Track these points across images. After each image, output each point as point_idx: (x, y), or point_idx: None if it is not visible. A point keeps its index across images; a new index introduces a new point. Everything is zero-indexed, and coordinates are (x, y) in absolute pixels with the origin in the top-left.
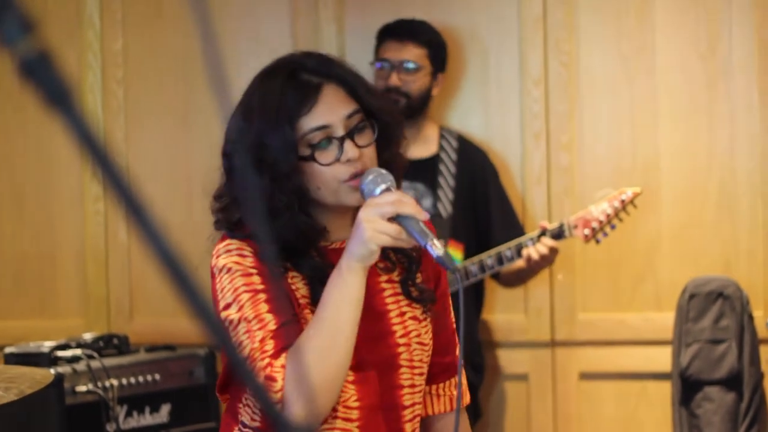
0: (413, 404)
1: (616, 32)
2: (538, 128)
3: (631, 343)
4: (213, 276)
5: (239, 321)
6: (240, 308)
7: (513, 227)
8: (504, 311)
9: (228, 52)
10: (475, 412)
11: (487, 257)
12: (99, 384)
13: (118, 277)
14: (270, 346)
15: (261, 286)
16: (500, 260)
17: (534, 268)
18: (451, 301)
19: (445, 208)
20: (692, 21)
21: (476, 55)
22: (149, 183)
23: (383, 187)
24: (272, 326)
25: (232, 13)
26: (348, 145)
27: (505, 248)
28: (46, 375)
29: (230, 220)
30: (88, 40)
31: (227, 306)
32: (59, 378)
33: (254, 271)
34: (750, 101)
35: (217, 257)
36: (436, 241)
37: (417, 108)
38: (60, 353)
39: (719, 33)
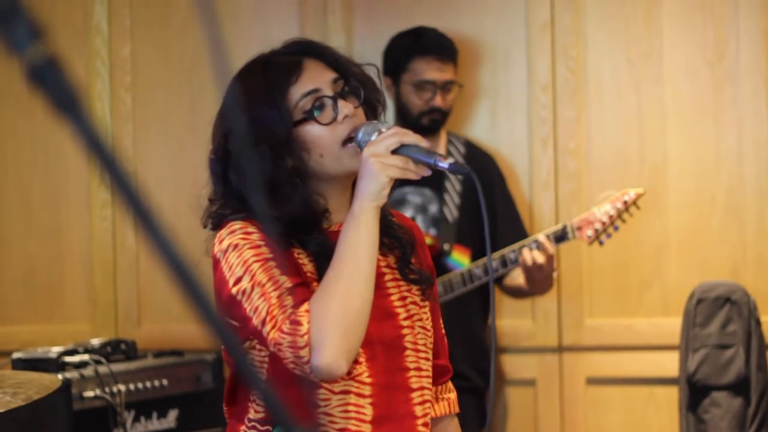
0: (421, 388)
1: (624, 38)
2: (546, 134)
3: (639, 349)
4: (217, 262)
5: (252, 288)
6: (252, 276)
7: (518, 233)
8: (511, 316)
9: (236, 58)
10: (481, 416)
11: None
12: (106, 389)
13: (125, 283)
14: (289, 301)
15: (270, 255)
16: (504, 263)
17: (535, 276)
18: (439, 307)
19: (452, 213)
20: (699, 27)
21: (484, 60)
22: (157, 189)
23: (380, 129)
24: (288, 284)
25: (240, 20)
26: (341, 102)
27: (509, 251)
28: (53, 380)
29: (227, 212)
30: (96, 46)
31: (238, 279)
32: (67, 383)
33: (262, 243)
34: (757, 106)
35: (221, 241)
36: (443, 156)
37: (446, 119)
38: (68, 358)
39: (726, 38)
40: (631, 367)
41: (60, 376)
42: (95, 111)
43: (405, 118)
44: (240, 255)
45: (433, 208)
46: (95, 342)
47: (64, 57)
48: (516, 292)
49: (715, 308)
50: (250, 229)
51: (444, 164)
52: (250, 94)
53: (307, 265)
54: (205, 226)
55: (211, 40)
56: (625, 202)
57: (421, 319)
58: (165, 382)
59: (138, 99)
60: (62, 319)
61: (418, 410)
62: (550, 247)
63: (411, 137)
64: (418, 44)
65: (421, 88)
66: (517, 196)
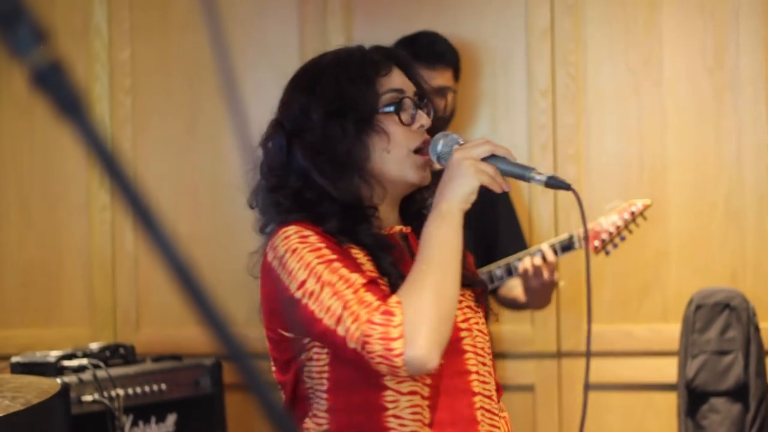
0: (483, 393)
1: (624, 44)
2: (545, 139)
3: (638, 355)
4: (270, 270)
5: (322, 288)
6: (318, 278)
7: (519, 245)
8: (510, 322)
9: (235, 60)
10: None
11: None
12: (105, 394)
13: (124, 287)
14: (369, 295)
15: (333, 256)
16: (509, 271)
17: (532, 284)
18: None
19: None
20: (699, 33)
21: (484, 66)
22: (157, 191)
23: (459, 141)
24: (361, 280)
25: (239, 23)
26: (420, 112)
27: (495, 266)
28: (52, 384)
29: (284, 207)
30: (96, 49)
31: (302, 283)
32: (65, 387)
33: (322, 245)
34: (757, 113)
35: (274, 249)
36: (538, 170)
37: (444, 127)
38: (66, 363)
39: (726, 45)
40: (630, 373)
41: (59, 381)
42: (95, 114)
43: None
44: (300, 259)
45: None
46: (94, 346)
47: (63, 59)
48: (511, 304)
49: (714, 314)
50: (306, 233)
51: (541, 178)
52: (345, 67)
53: (366, 264)
54: (264, 229)
55: (214, 41)
56: (633, 213)
57: (477, 323)
58: (163, 386)
59: (137, 102)
60: (61, 323)
61: (479, 415)
62: (552, 256)
63: (502, 149)
64: (409, 51)
65: None
66: (516, 203)
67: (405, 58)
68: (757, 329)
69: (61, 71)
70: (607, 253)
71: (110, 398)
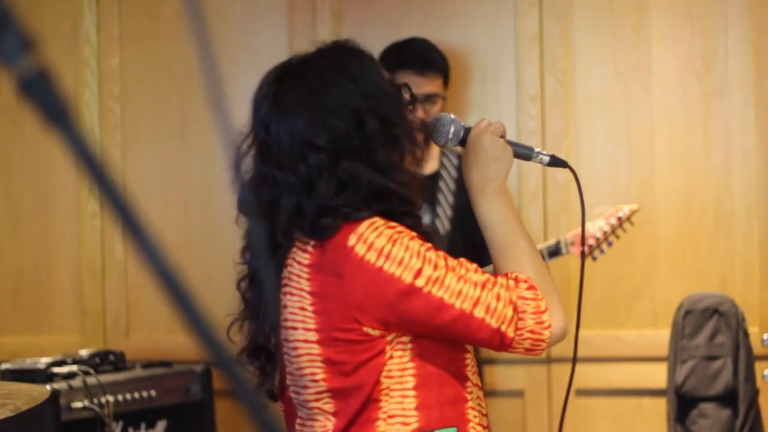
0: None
1: (612, 50)
2: (534, 145)
3: (627, 360)
4: (366, 265)
5: (445, 273)
6: (435, 265)
7: None
8: None
9: (224, 67)
10: None
11: None
12: (95, 400)
13: (114, 294)
14: (492, 276)
15: (429, 244)
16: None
17: None
18: None
19: (443, 225)
20: (688, 38)
21: (473, 71)
22: (146, 199)
23: (462, 123)
24: (472, 265)
25: (228, 29)
26: (420, 108)
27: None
28: (42, 391)
29: (355, 199)
30: (85, 56)
31: (418, 272)
32: (55, 394)
33: (414, 233)
34: (746, 118)
35: (365, 241)
36: (539, 150)
37: None
38: (56, 369)
39: (715, 50)
40: (619, 379)
41: (48, 387)
42: (84, 121)
43: None
44: (407, 248)
45: (425, 220)
46: (84, 353)
47: (52, 67)
48: None
49: (703, 320)
50: (393, 223)
51: (545, 158)
52: (363, 69)
53: None
54: (314, 233)
55: (201, 49)
56: (620, 218)
57: None
58: (153, 393)
59: (127, 109)
60: (50, 330)
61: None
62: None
63: (505, 129)
64: (401, 57)
65: None
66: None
67: (367, 52)
68: (746, 334)
69: (47, 79)
70: (594, 258)
71: (100, 405)
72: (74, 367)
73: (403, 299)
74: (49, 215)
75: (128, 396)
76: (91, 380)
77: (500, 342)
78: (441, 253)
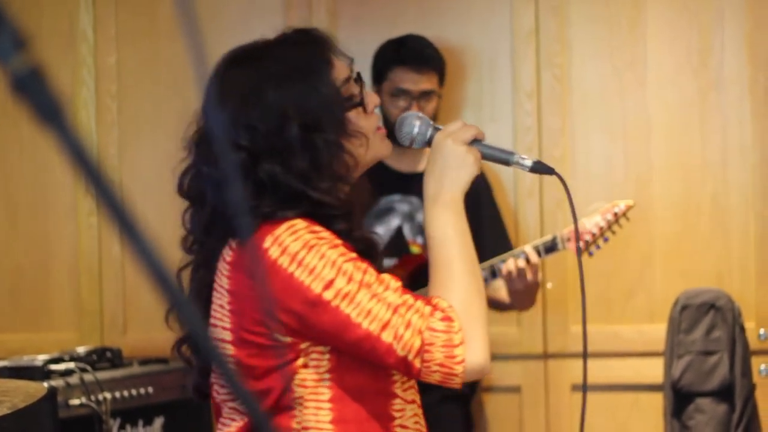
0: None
1: (609, 45)
2: (531, 141)
3: (624, 355)
4: (278, 269)
5: (358, 289)
6: (350, 278)
7: (503, 246)
8: (497, 324)
9: None
10: (467, 424)
11: None
12: (92, 397)
13: (111, 291)
14: (411, 298)
15: (354, 254)
16: (493, 273)
17: (516, 286)
18: None
19: None
20: (684, 34)
21: (469, 68)
22: (143, 198)
23: (431, 123)
24: (395, 284)
25: (224, 27)
26: (367, 92)
27: (498, 260)
28: (39, 388)
29: (274, 201)
30: (82, 55)
31: (329, 283)
32: (52, 391)
33: (339, 241)
34: (742, 114)
35: (280, 244)
36: (520, 154)
37: None
38: (53, 366)
39: (711, 46)
40: (616, 374)
41: (45, 384)
42: (81, 119)
43: (387, 127)
44: (323, 256)
45: (421, 217)
46: (81, 350)
47: (49, 65)
48: (496, 305)
49: (699, 315)
50: (315, 227)
51: (526, 162)
52: (303, 73)
53: None
54: (235, 235)
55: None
56: (616, 214)
57: None
58: (150, 389)
59: (124, 107)
60: (48, 328)
61: None
62: (536, 257)
63: (481, 132)
64: (397, 54)
65: (397, 97)
66: (502, 205)
67: (324, 36)
68: (742, 329)
69: (41, 78)
70: (591, 254)
71: (97, 402)
72: (71, 365)
73: (310, 310)
74: (47, 214)
75: (125, 393)
76: (88, 377)
77: (407, 371)
78: (363, 266)
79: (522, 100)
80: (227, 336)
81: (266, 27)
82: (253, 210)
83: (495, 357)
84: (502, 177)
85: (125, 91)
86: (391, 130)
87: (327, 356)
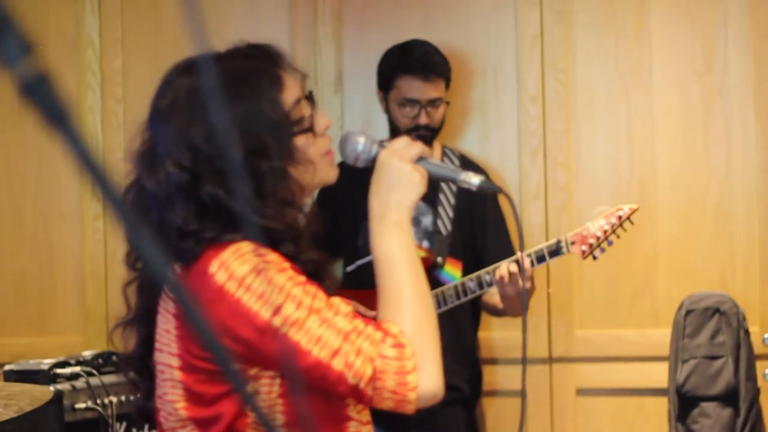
0: None
1: (613, 50)
2: (535, 145)
3: (628, 359)
4: (224, 294)
5: (307, 315)
6: (299, 304)
7: (506, 252)
8: (501, 328)
9: None
10: (471, 428)
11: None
12: (98, 401)
13: (117, 295)
14: (361, 323)
15: (302, 278)
16: (464, 291)
17: (507, 291)
18: None
19: (445, 226)
20: (688, 39)
21: (474, 72)
22: None
23: (378, 140)
24: (346, 307)
25: (229, 30)
26: (319, 113)
27: (467, 279)
28: (45, 392)
29: (209, 235)
30: (88, 59)
31: (278, 308)
32: (58, 395)
33: (286, 265)
34: (746, 118)
35: (227, 269)
36: (467, 173)
37: (437, 135)
38: (59, 370)
39: (715, 50)
40: (620, 378)
41: (52, 388)
42: (87, 123)
43: (395, 133)
44: (270, 281)
45: (427, 221)
46: (87, 354)
47: (55, 69)
48: (491, 310)
49: (704, 319)
50: (262, 251)
51: (473, 181)
52: (242, 91)
53: None
54: (180, 259)
55: (198, 50)
56: (620, 218)
57: None
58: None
59: (129, 111)
60: (54, 332)
61: None
62: (528, 264)
63: (428, 150)
64: (404, 62)
65: (406, 106)
66: (505, 208)
67: (277, 52)
68: (747, 333)
69: (48, 82)
70: (595, 257)
71: (103, 405)
72: (77, 368)
73: (259, 337)
74: (52, 217)
75: (131, 397)
76: (94, 381)
77: (358, 398)
78: (312, 290)
79: (527, 104)
80: (174, 362)
81: (271, 29)
82: (196, 234)
83: (499, 361)
84: (507, 180)
85: (131, 95)
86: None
87: (278, 381)
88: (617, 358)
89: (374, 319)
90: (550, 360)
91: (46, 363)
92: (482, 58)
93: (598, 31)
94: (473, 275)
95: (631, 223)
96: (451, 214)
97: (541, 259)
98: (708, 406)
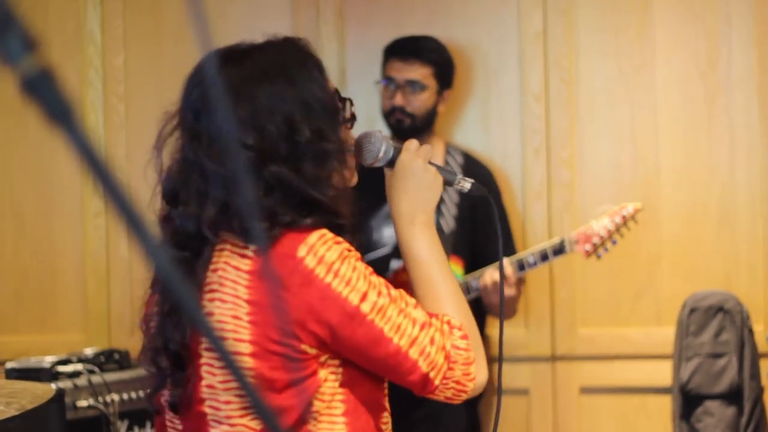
0: None
1: (616, 48)
2: (539, 143)
3: (632, 358)
4: (314, 279)
5: (389, 303)
6: (379, 292)
7: (508, 252)
8: (505, 326)
9: None
10: (475, 426)
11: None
12: (100, 399)
13: (119, 292)
14: (425, 314)
15: (371, 268)
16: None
17: (491, 299)
18: None
19: (448, 224)
20: (692, 37)
21: (477, 70)
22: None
23: (392, 142)
24: (412, 299)
25: (232, 30)
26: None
27: (470, 277)
28: (47, 390)
29: (290, 208)
30: (89, 56)
31: (365, 295)
32: (60, 393)
33: (359, 254)
34: (750, 117)
35: (315, 254)
36: (462, 178)
37: (422, 127)
38: (61, 368)
39: (719, 49)
40: (624, 377)
41: (53, 386)
42: (88, 120)
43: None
44: (354, 268)
45: None
46: (88, 351)
47: (57, 66)
48: (489, 309)
49: (707, 317)
50: (339, 238)
51: (466, 184)
52: (311, 77)
53: None
54: (246, 236)
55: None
56: (624, 216)
57: None
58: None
59: (131, 108)
60: (55, 329)
61: None
62: (511, 270)
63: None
64: (391, 46)
65: (386, 88)
66: (509, 207)
67: (310, 45)
68: (750, 332)
69: (50, 79)
70: (599, 256)
71: (105, 403)
72: (79, 366)
73: (347, 323)
74: (54, 214)
75: (133, 395)
76: (96, 379)
77: (422, 387)
78: (383, 280)
79: (530, 102)
80: (245, 348)
81: (274, 28)
82: (274, 217)
83: (503, 359)
84: (510, 179)
85: (133, 92)
86: (387, 123)
87: (340, 370)
88: (621, 356)
89: None
90: (553, 358)
91: (47, 361)
92: (485, 56)
93: (601, 29)
94: (461, 280)
95: (635, 221)
96: (454, 212)
97: (544, 257)
98: (712, 405)
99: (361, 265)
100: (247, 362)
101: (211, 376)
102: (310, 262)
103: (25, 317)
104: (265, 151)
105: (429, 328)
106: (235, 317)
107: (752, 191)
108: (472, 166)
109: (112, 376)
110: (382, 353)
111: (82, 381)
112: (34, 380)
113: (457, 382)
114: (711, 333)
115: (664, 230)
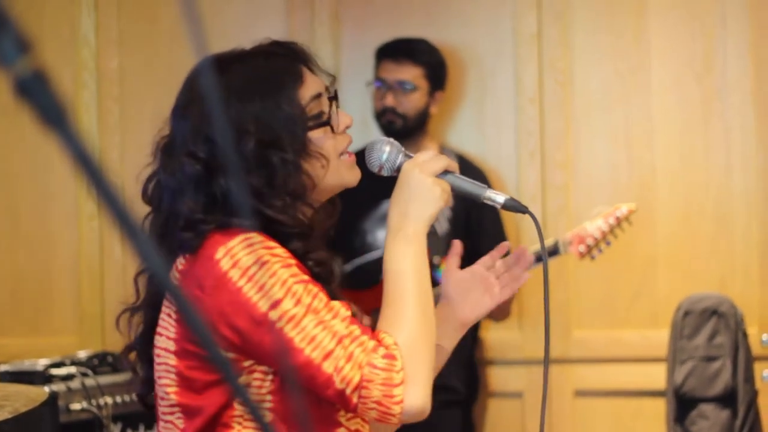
0: None
1: (612, 50)
2: (533, 146)
3: (626, 361)
4: (227, 282)
5: (304, 313)
6: (298, 300)
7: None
8: (498, 329)
9: None
10: (468, 430)
11: None
12: (93, 402)
13: (112, 295)
14: (358, 330)
15: (306, 276)
16: None
17: None
18: None
19: (441, 226)
20: (687, 39)
21: (472, 72)
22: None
23: (403, 150)
24: (345, 311)
25: (227, 32)
26: (341, 112)
27: None
28: (40, 393)
29: (223, 215)
30: (84, 58)
31: (277, 303)
32: (53, 396)
33: (292, 261)
34: (745, 119)
35: (232, 256)
36: (492, 190)
37: (414, 128)
38: (54, 371)
39: (714, 51)
40: (618, 379)
41: (47, 389)
42: (83, 122)
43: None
44: (273, 275)
45: None
46: (82, 354)
47: (51, 68)
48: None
49: (702, 320)
50: (271, 243)
51: (498, 198)
52: (264, 86)
53: None
54: (183, 249)
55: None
56: (618, 218)
57: None
58: (152, 394)
59: (125, 111)
60: (49, 332)
61: None
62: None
63: (454, 164)
64: (382, 47)
65: (377, 89)
66: (504, 212)
67: (302, 50)
68: (745, 335)
69: (44, 81)
70: (593, 258)
71: (98, 406)
72: (72, 369)
73: (254, 329)
74: (48, 217)
75: (126, 397)
76: (89, 382)
77: (344, 404)
78: (314, 290)
79: (525, 104)
80: (170, 345)
81: (269, 29)
82: (199, 223)
83: (497, 362)
84: (504, 181)
85: (127, 94)
86: (379, 125)
87: (270, 377)
88: (615, 359)
89: (369, 326)
90: (549, 361)
91: (41, 363)
92: (480, 58)
93: (596, 31)
94: None
95: (629, 223)
96: (448, 214)
97: (538, 259)
98: (706, 408)
99: (285, 272)
100: (172, 360)
101: (157, 372)
102: (225, 264)
103: (19, 320)
104: (214, 163)
105: (350, 343)
106: (168, 315)
107: (747, 194)
108: (466, 168)
109: (105, 379)
110: (292, 363)
111: (75, 384)
112: (28, 383)
113: (378, 403)
114: (705, 336)
115: (659, 233)
